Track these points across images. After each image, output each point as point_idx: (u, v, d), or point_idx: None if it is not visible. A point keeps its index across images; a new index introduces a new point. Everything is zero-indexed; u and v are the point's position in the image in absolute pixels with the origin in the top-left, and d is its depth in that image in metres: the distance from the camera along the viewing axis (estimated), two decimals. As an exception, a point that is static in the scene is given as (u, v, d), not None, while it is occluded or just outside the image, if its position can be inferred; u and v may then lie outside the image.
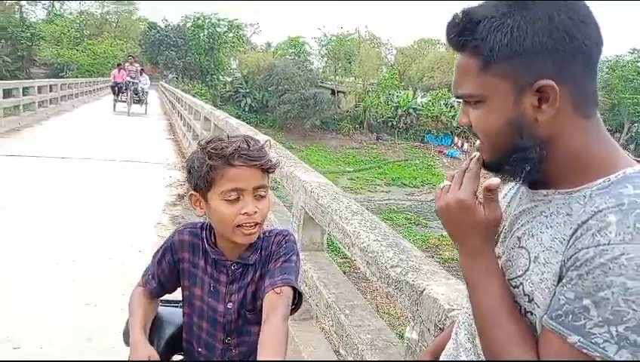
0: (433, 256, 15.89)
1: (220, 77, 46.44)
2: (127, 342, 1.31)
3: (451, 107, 37.55)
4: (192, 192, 1.30)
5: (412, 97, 41.41)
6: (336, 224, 2.45)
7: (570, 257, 0.76)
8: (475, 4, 0.86)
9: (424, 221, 23.17)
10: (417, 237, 19.87)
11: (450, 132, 39.60)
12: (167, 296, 1.48)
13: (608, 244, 0.71)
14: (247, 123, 9.58)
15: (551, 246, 0.81)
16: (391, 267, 1.86)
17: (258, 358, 1.12)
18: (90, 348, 2.77)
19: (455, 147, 38.73)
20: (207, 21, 45.90)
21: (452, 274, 1.80)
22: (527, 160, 0.84)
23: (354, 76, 44.09)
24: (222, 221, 1.26)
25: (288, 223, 3.39)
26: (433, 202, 0.96)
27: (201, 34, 45.65)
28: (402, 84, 44.14)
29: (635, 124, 41.05)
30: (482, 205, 0.88)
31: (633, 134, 40.95)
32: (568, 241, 0.78)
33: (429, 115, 39.82)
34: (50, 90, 16.67)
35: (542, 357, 0.78)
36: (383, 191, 30.06)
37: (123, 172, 7.81)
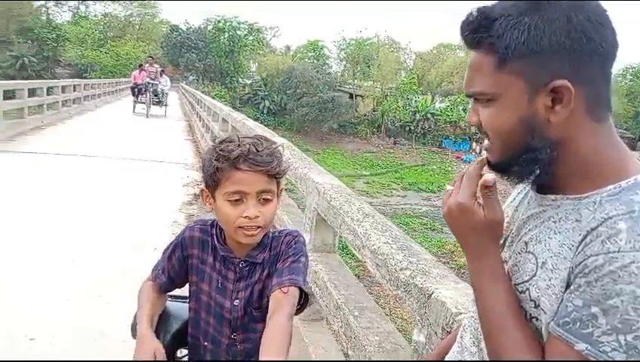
0: (448, 262, 15.77)
1: (240, 79, 46.80)
2: (134, 335, 1.34)
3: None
4: (203, 188, 1.33)
5: (430, 102, 41.22)
6: (347, 226, 2.46)
7: (579, 264, 0.75)
8: (491, 4, 0.86)
9: (440, 226, 22.98)
10: (433, 242, 19.73)
11: (469, 138, 39.26)
12: (174, 291, 1.50)
13: (618, 252, 0.70)
14: (265, 125, 9.63)
15: (559, 253, 0.80)
16: (400, 270, 1.87)
17: (261, 355, 1.13)
18: (102, 342, 2.81)
19: (473, 153, 38.34)
20: (227, 24, 46.33)
21: (465, 280, 1.79)
22: (537, 161, 0.83)
23: (372, 80, 44.05)
24: (224, 220, 1.29)
25: (301, 225, 3.41)
26: (445, 215, 0.96)
27: (222, 37, 46.07)
28: (421, 88, 43.94)
29: (660, 133, 40.16)
30: (481, 206, 0.87)
31: (658, 143, 40.07)
32: (577, 248, 0.77)
33: (448, 120, 39.56)
34: (74, 90, 17.03)
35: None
36: (399, 196, 29.94)
37: (142, 171, 7.91)
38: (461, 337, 1.06)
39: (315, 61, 45.30)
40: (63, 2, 48.67)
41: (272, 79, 42.68)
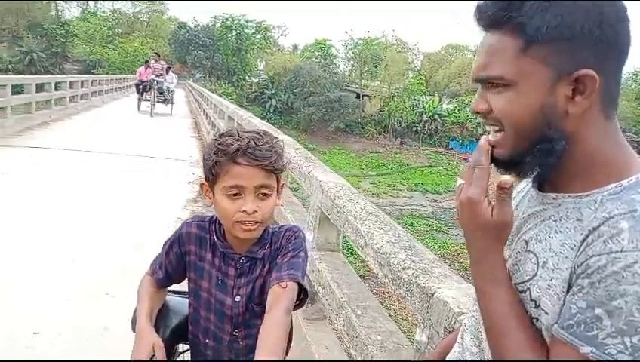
0: (454, 264, 15.72)
1: (247, 78, 46.93)
2: (134, 329, 1.33)
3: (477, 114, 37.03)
4: (203, 182, 1.32)
5: (438, 103, 41.09)
6: (350, 224, 2.45)
7: (581, 264, 0.74)
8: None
9: (446, 228, 22.91)
10: (439, 244, 19.67)
11: (476, 139, 38.95)
12: (175, 287, 1.50)
13: (621, 252, 0.69)
14: (271, 124, 9.63)
15: (560, 252, 0.78)
16: (403, 269, 1.85)
17: (258, 349, 1.12)
18: (106, 336, 2.83)
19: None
20: (235, 22, 46.42)
21: (468, 280, 1.78)
22: (552, 152, 0.80)
23: (379, 80, 43.99)
24: (223, 215, 1.28)
25: (305, 223, 3.40)
26: (456, 209, 0.92)
27: (230, 35, 46.19)
28: (428, 89, 43.86)
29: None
30: (491, 205, 0.84)
31: (667, 147, 39.76)
32: (579, 247, 0.75)
33: (455, 121, 39.45)
34: (82, 86, 17.08)
35: None
36: (405, 197, 29.85)
37: (147, 167, 7.94)
38: (462, 337, 1.04)
39: (323, 60, 45.34)
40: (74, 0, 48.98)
41: (279, 78, 42.73)
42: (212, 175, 1.26)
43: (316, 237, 3.08)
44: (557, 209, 0.83)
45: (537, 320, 0.81)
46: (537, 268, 0.82)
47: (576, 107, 0.78)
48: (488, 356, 0.91)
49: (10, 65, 38.19)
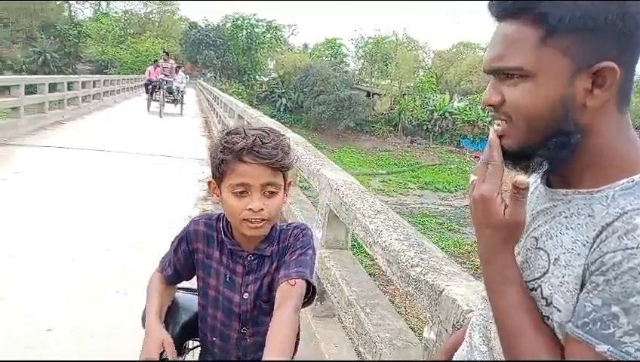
0: (465, 263, 15.62)
1: (257, 77, 47.02)
2: (144, 325, 1.34)
3: (489, 112, 36.81)
4: (211, 180, 1.32)
5: (449, 101, 40.88)
6: (359, 222, 2.44)
7: (595, 261, 0.72)
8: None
9: (457, 226, 22.76)
10: (449, 242, 19.55)
11: (487, 137, 38.73)
12: (184, 284, 1.51)
13: (637, 248, 0.68)
14: (281, 123, 9.64)
15: (572, 249, 0.77)
16: (411, 266, 1.85)
17: (266, 347, 1.12)
18: (117, 333, 2.84)
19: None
20: (246, 22, 46.54)
21: (478, 278, 1.76)
22: (567, 145, 0.79)
23: (390, 79, 43.84)
24: (230, 212, 1.29)
25: (314, 221, 3.40)
26: (467, 207, 0.90)
27: (240, 34, 46.32)
28: (439, 87, 43.65)
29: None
30: (504, 203, 0.82)
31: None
32: (592, 244, 0.74)
33: (466, 119, 39.20)
34: (94, 86, 17.26)
35: None
36: (415, 195, 29.72)
37: (159, 166, 7.99)
38: (470, 336, 1.03)
39: (333, 59, 45.29)
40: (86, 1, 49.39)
41: (290, 77, 42.77)
42: (219, 173, 1.27)
43: (325, 235, 3.08)
44: (567, 205, 0.82)
45: (548, 318, 0.79)
46: (549, 266, 0.80)
47: (595, 100, 0.76)
48: (497, 354, 0.90)
49: (24, 66, 38.66)
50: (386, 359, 1.98)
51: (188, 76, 22.61)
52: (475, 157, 37.68)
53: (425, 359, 1.72)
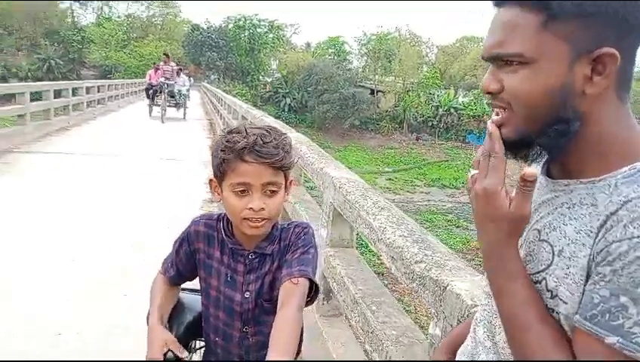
0: (474, 259, 15.55)
1: (261, 77, 47.04)
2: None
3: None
4: (212, 178, 1.32)
5: (453, 96, 40.69)
6: (363, 219, 2.44)
7: (601, 251, 0.71)
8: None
9: (465, 223, 22.63)
10: (457, 239, 19.46)
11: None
12: (189, 285, 1.51)
13: None
14: (286, 123, 9.65)
15: (576, 239, 0.76)
16: (415, 262, 1.84)
17: (270, 346, 1.12)
18: (118, 333, 2.83)
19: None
20: (247, 22, 46.59)
21: (483, 272, 1.75)
22: (567, 133, 0.78)
23: (394, 75, 43.73)
24: (230, 211, 1.29)
25: (319, 220, 3.40)
26: (470, 201, 0.87)
27: (242, 35, 46.37)
28: (443, 83, 43.45)
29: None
30: (509, 196, 0.80)
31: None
32: (597, 234, 0.73)
33: (471, 114, 38.99)
34: (98, 91, 17.37)
35: (579, 359, 0.73)
36: (422, 192, 29.61)
37: (164, 169, 8.03)
38: (474, 331, 1.02)
39: (336, 57, 45.20)
40: (88, 2, 49.56)
41: (293, 76, 42.75)
42: (220, 172, 1.27)
43: (330, 233, 3.08)
44: (569, 195, 0.81)
45: (554, 311, 0.78)
46: (553, 257, 0.79)
47: (595, 87, 0.76)
48: (501, 349, 0.89)
49: (29, 73, 38.92)
50: (394, 357, 1.97)
51: (191, 79, 22.52)
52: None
53: (431, 355, 1.71)
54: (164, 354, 1.25)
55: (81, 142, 10.12)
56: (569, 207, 0.80)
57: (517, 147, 0.83)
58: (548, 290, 0.79)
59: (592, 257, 0.73)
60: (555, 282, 0.78)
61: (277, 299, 1.27)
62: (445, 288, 1.61)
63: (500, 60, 0.81)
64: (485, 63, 0.85)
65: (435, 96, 40.47)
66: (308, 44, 56.63)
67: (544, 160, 0.89)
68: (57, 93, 12.81)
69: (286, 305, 1.20)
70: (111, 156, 8.67)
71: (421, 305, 11.38)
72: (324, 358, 2.78)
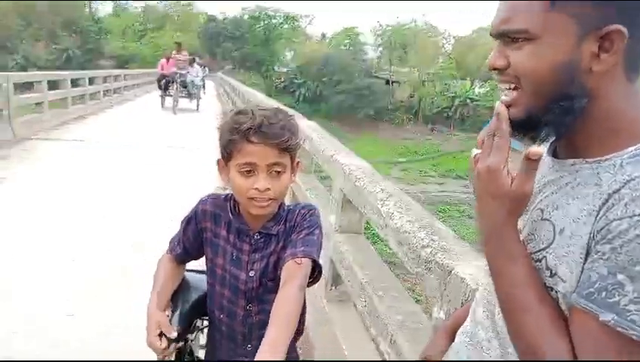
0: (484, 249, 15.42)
1: (276, 68, 47.03)
2: None
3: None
4: (219, 159, 1.34)
5: (470, 87, 40.27)
6: (371, 205, 2.44)
7: (601, 229, 0.70)
8: None
9: (479, 214, 22.45)
10: (471, 230, 19.32)
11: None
12: (195, 266, 1.54)
13: None
14: (301, 113, 9.56)
15: (578, 218, 0.75)
16: (422, 247, 1.84)
17: (270, 323, 1.13)
18: (117, 333, 2.79)
19: (519, 140, 37.26)
20: (263, 13, 46.52)
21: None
22: (572, 111, 0.77)
23: (409, 66, 43.38)
24: (237, 191, 1.30)
25: (328, 207, 3.41)
26: (471, 180, 0.87)
27: (258, 26, 46.35)
28: (459, 73, 42.98)
29: None
30: (510, 175, 0.80)
31: None
32: (598, 212, 0.72)
33: (488, 105, 38.53)
34: (115, 81, 17.49)
35: (574, 338, 0.73)
36: (436, 183, 29.46)
37: (178, 158, 8.08)
38: (473, 311, 1.02)
39: (351, 48, 45.00)
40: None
41: (308, 67, 42.64)
42: (227, 152, 1.29)
43: (339, 220, 3.09)
44: (574, 175, 0.80)
45: (552, 289, 0.78)
46: (554, 236, 0.79)
47: (602, 65, 0.75)
48: (500, 328, 0.89)
49: (48, 63, 39.39)
50: (398, 342, 1.98)
51: (207, 69, 22.43)
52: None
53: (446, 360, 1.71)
54: (163, 334, 1.29)
55: (98, 130, 10.24)
56: (573, 187, 0.80)
57: (525, 127, 0.83)
58: (547, 268, 0.79)
59: (592, 236, 0.72)
60: (555, 260, 0.77)
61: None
62: (450, 272, 1.61)
63: (506, 37, 0.81)
64: None
65: (451, 87, 40.10)
66: (323, 35, 56.40)
67: (551, 141, 0.88)
68: (74, 82, 12.96)
69: (288, 284, 1.22)
70: (125, 145, 8.74)
71: (431, 297, 11.35)
72: (331, 344, 2.81)
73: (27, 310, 3.02)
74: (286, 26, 48.49)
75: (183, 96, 14.64)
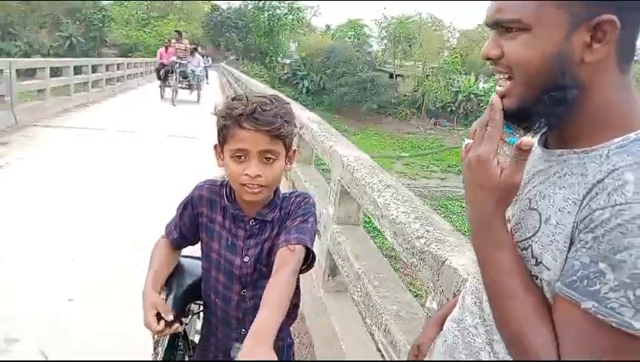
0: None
1: (279, 59, 46.86)
2: None
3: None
4: (216, 144, 1.35)
5: (474, 82, 40.08)
6: (368, 196, 2.45)
7: (584, 218, 0.72)
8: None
9: (480, 210, 22.41)
10: (472, 225, 19.30)
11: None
12: (190, 253, 1.55)
13: (625, 204, 0.67)
14: (303, 105, 9.53)
15: (564, 208, 0.76)
16: (416, 238, 1.86)
17: (261, 307, 1.14)
18: (117, 333, 2.75)
19: (518, 135, 37.13)
20: (267, 3, 46.30)
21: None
22: (564, 101, 0.78)
23: (414, 60, 43.21)
24: (230, 177, 1.32)
25: (327, 198, 3.42)
26: (460, 169, 0.87)
27: (262, 16, 46.13)
28: (464, 68, 42.80)
29: None
30: (500, 166, 0.80)
31: None
32: (582, 202, 0.73)
33: (491, 101, 38.39)
34: (118, 69, 17.44)
35: (557, 326, 0.74)
36: (439, 178, 29.42)
37: (180, 147, 8.10)
38: (463, 298, 1.04)
39: (355, 40, 44.83)
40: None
41: (312, 59, 42.51)
42: (222, 138, 1.30)
43: (337, 210, 3.11)
44: (562, 165, 0.81)
45: (537, 277, 0.79)
46: (540, 225, 0.80)
47: (594, 55, 0.76)
48: (487, 315, 0.90)
49: (51, 50, 39.34)
50: (392, 331, 2.00)
51: (209, 59, 22.22)
52: (503, 141, 36.91)
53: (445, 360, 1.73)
54: (161, 317, 1.30)
55: (100, 118, 10.24)
56: (560, 177, 0.81)
57: (518, 118, 0.84)
58: (533, 257, 0.80)
59: (576, 225, 0.73)
60: (540, 249, 0.79)
61: None
62: (443, 263, 1.63)
63: (500, 27, 0.82)
64: None
65: (455, 82, 39.92)
66: (328, 27, 56.16)
67: (542, 132, 0.89)
68: (77, 70, 12.93)
69: (281, 270, 1.23)
70: (127, 133, 8.74)
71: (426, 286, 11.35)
72: (328, 334, 2.83)
73: (27, 310, 2.96)
74: (290, 17, 48.26)
75: (183, 87, 14.10)
